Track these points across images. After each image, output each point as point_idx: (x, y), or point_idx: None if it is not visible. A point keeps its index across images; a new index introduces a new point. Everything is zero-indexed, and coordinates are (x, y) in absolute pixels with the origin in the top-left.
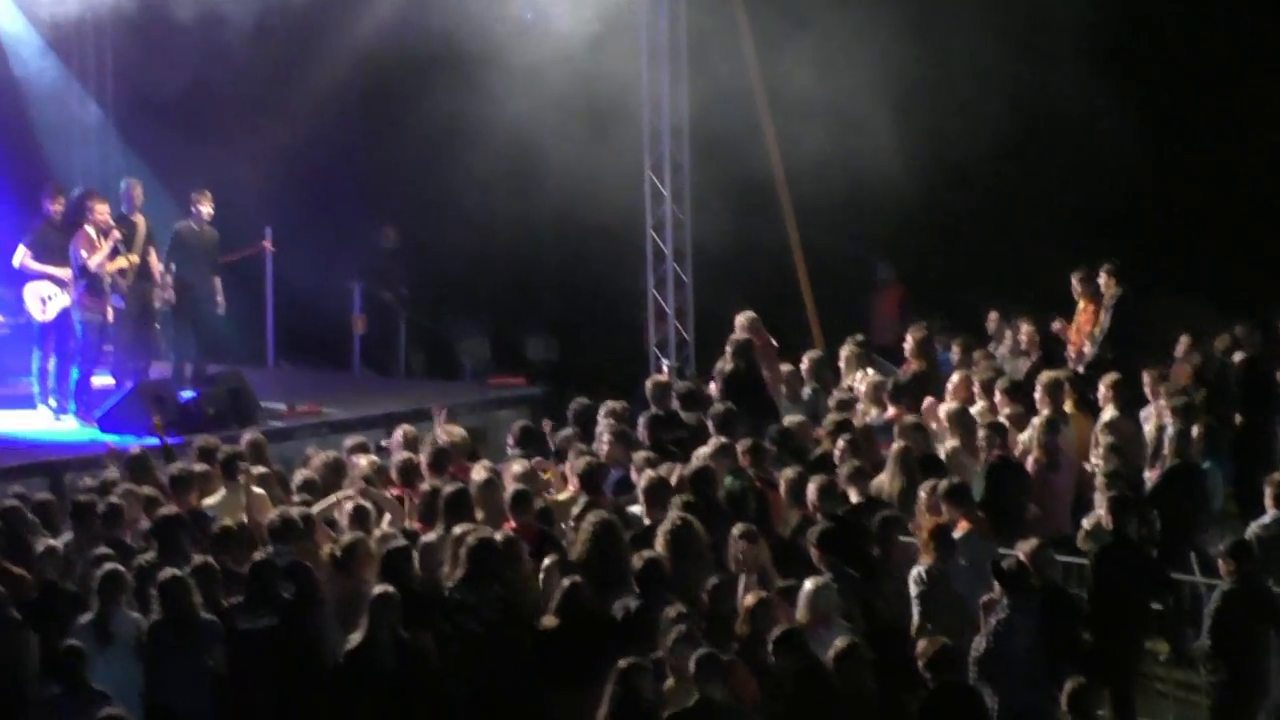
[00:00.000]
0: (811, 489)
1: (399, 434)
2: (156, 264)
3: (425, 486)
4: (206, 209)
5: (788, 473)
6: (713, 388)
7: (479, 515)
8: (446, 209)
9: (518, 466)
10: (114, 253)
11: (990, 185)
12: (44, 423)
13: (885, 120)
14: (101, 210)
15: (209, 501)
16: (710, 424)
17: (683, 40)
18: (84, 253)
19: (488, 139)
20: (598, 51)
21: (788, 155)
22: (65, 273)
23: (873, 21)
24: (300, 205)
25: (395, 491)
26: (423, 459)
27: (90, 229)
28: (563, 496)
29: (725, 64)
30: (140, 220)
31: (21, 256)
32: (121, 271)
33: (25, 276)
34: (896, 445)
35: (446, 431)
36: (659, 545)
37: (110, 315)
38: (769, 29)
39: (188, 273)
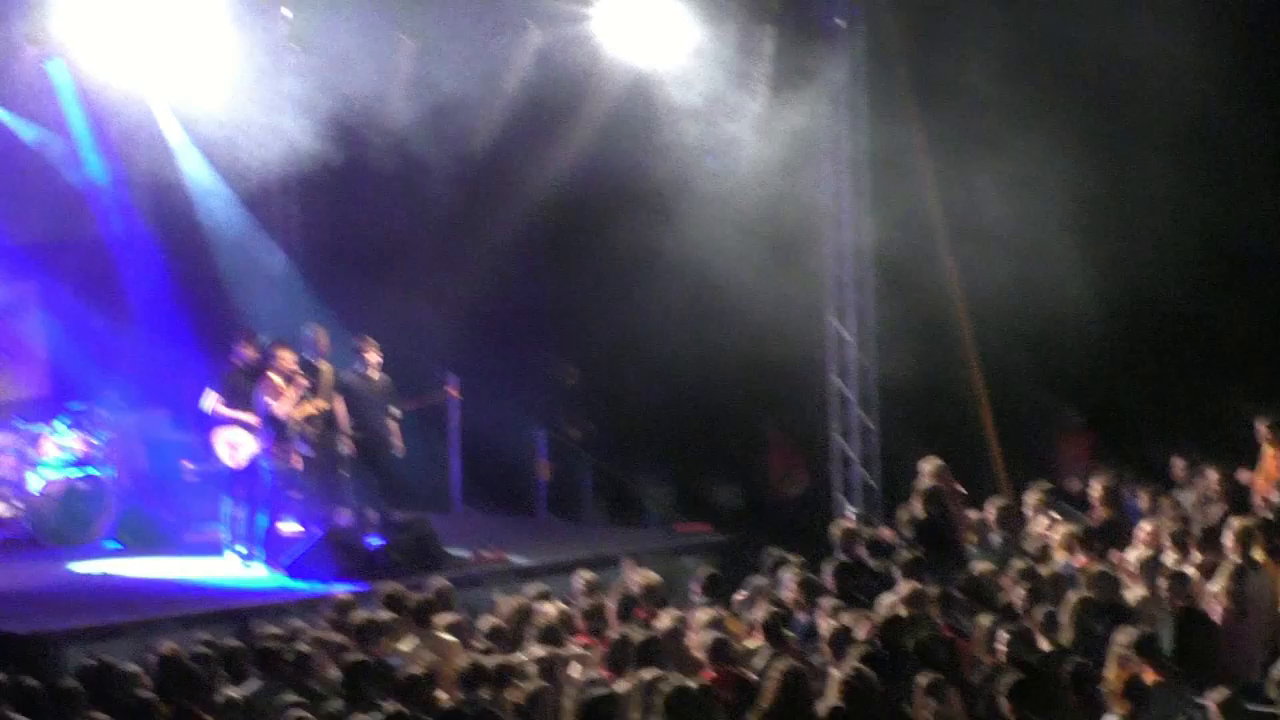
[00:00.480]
0: (1002, 637)
1: (579, 579)
2: (343, 411)
3: (614, 634)
4: (373, 357)
5: (979, 621)
6: (897, 534)
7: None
8: (629, 348)
9: (705, 615)
10: (301, 400)
11: (1177, 322)
12: (232, 570)
13: (1070, 248)
14: (286, 357)
15: (397, 648)
16: (898, 571)
17: (864, 164)
18: (269, 399)
19: (670, 272)
20: (783, 178)
21: (969, 285)
22: (255, 419)
23: (1058, 144)
24: (484, 348)
25: (582, 640)
26: (610, 605)
27: (275, 376)
28: (749, 645)
29: (908, 188)
30: (326, 367)
31: (212, 402)
32: (309, 418)
33: (215, 422)
34: (1080, 594)
35: (638, 577)
36: (834, 695)
37: (298, 462)
38: (949, 150)
39: (363, 420)
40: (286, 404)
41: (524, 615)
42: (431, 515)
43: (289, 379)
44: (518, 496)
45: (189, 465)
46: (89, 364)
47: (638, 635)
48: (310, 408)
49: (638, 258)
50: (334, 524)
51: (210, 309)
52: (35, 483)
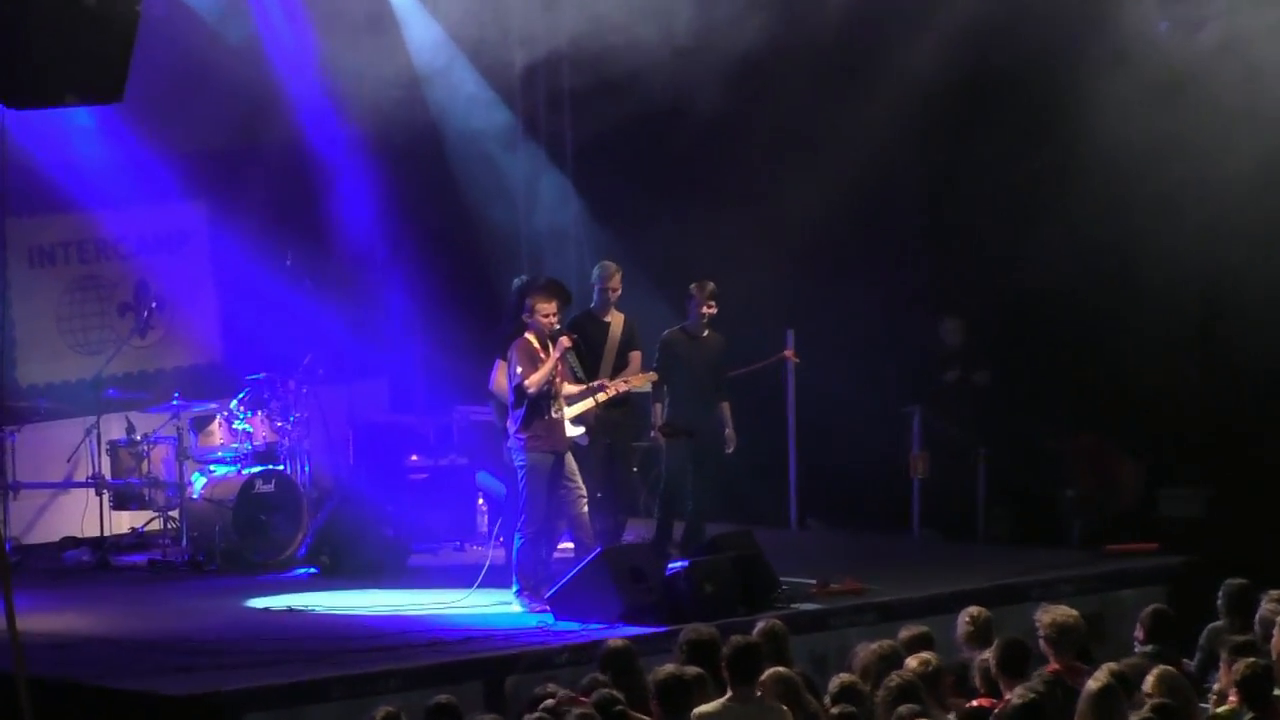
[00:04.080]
0: None
1: (965, 618)
2: (640, 380)
3: (1015, 696)
4: (709, 307)
5: None
6: None
7: None
8: (1034, 290)
9: (1154, 672)
10: (574, 374)
11: None
12: (473, 605)
13: None
14: (547, 309)
15: (705, 712)
16: None
17: None
18: (520, 369)
19: (1102, 198)
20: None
21: None
22: (576, 387)
23: None
24: (829, 296)
25: (977, 703)
26: (1013, 655)
27: (532, 337)
28: (1221, 710)
29: None
30: (616, 320)
31: (499, 376)
32: (587, 392)
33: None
34: None
35: (1052, 616)
36: None
37: (564, 453)
38: None
39: (682, 398)
40: (541, 375)
41: (889, 668)
42: (758, 530)
43: (549, 339)
44: (882, 504)
45: (414, 459)
46: (277, 319)
47: (1053, 697)
48: (577, 387)
49: (1053, 176)
50: (617, 541)
51: (457, 245)
52: (200, 484)
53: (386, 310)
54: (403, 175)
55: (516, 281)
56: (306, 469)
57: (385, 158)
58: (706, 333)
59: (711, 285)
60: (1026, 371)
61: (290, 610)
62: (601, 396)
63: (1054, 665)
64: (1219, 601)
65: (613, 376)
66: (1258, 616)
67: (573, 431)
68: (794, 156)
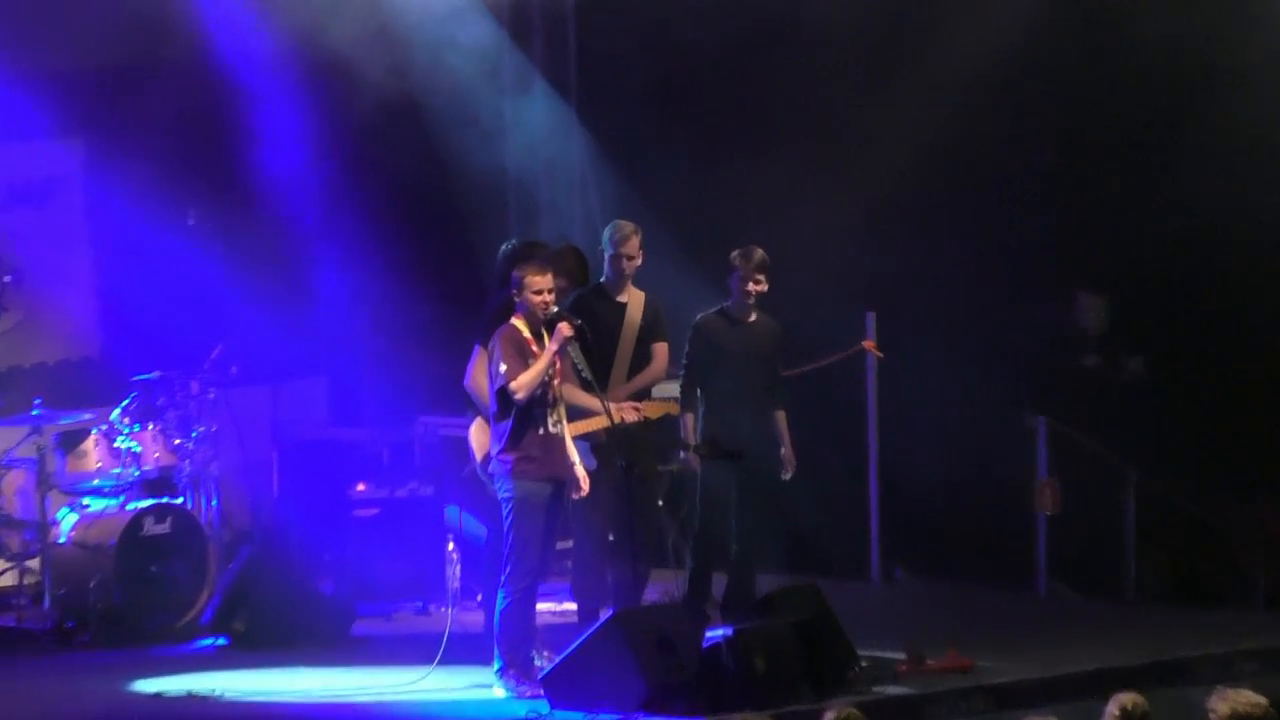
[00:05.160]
0: None
1: (1113, 710)
2: (657, 411)
3: None
4: (757, 282)
5: None
6: None
7: None
8: (1202, 253)
9: None
10: (578, 373)
11: None
12: (448, 687)
13: None
14: (540, 285)
15: None
16: None
17: None
18: (505, 367)
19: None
20: None
21: None
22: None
23: None
24: (921, 266)
25: None
26: None
27: (521, 323)
28: None
29: None
30: (635, 300)
31: (475, 371)
32: (578, 397)
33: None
34: None
35: (1228, 704)
36: None
37: (583, 484)
38: None
39: (722, 406)
40: (531, 375)
41: None
42: (826, 582)
43: (545, 326)
44: (991, 548)
45: (360, 489)
46: (176, 298)
47: None
48: (578, 390)
49: (1224, 93)
50: (636, 601)
51: (422, 199)
52: (70, 523)
53: (325, 287)
54: (349, 106)
55: (505, 247)
56: (215, 503)
57: (325, 82)
58: (754, 316)
59: (760, 253)
60: (1192, 365)
61: (192, 697)
62: (631, 415)
63: None
64: None
65: (631, 375)
66: None
67: (577, 452)
68: (872, 78)
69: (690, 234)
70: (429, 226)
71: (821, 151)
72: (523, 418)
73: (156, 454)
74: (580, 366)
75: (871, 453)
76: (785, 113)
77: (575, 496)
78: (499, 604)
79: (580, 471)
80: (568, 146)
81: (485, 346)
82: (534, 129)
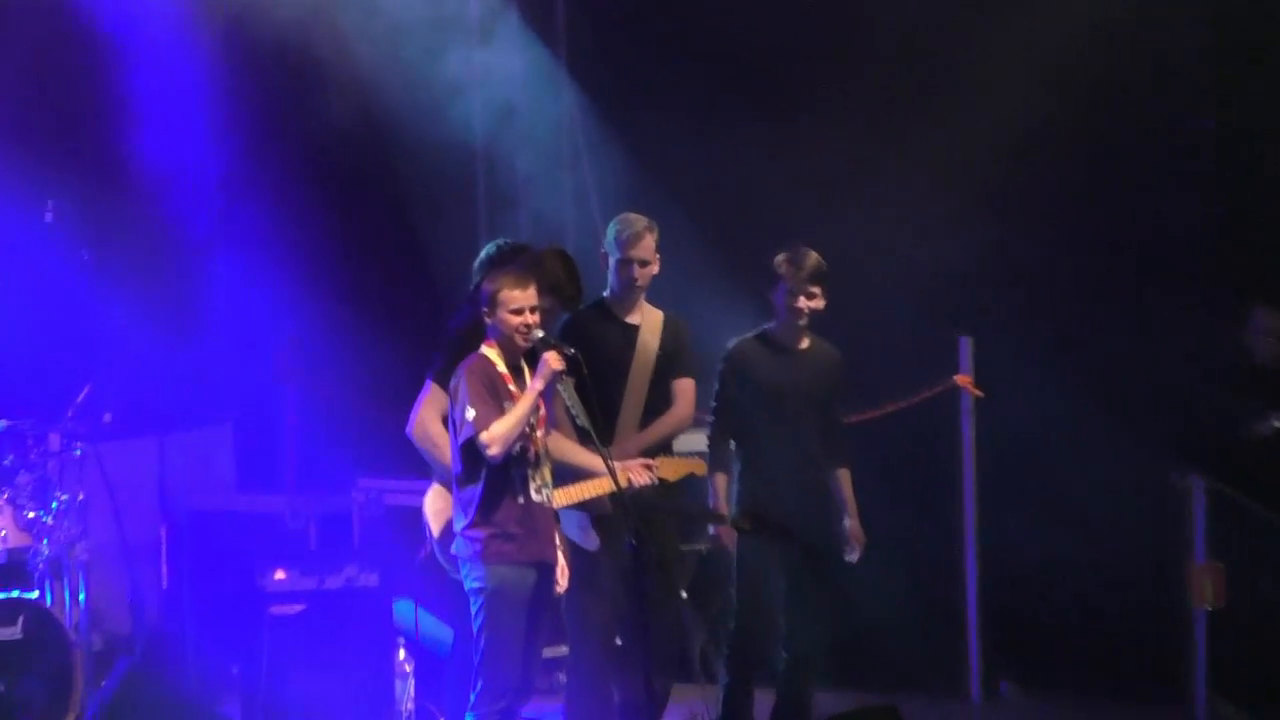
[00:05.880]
0: None
1: None
2: (684, 416)
3: None
4: (811, 296)
5: None
6: None
7: None
8: None
9: None
10: (571, 420)
11: None
12: None
13: None
14: (518, 298)
15: None
16: None
17: None
18: (471, 411)
19: None
20: None
21: None
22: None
23: None
24: (1032, 279)
25: None
26: None
27: (493, 352)
28: None
29: None
30: (650, 321)
31: (425, 416)
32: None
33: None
34: None
35: None
36: None
37: (561, 577)
38: None
39: (765, 463)
40: (509, 423)
41: None
42: (910, 701)
43: (525, 357)
44: (1130, 655)
45: (279, 577)
46: (29, 321)
47: None
48: (577, 448)
49: None
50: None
51: (363, 184)
52: None
53: (229, 306)
54: (259, 61)
55: (489, 250)
56: (82, 597)
57: (228, 29)
58: (807, 342)
59: (815, 258)
60: None
61: None
62: (641, 477)
63: None
64: None
65: (645, 422)
66: None
67: (571, 526)
68: (968, 18)
69: (719, 229)
70: (369, 223)
71: (897, 118)
72: (496, 481)
73: (3, 532)
74: (575, 411)
75: (968, 525)
76: (848, 66)
77: (563, 588)
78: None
79: (564, 560)
80: (554, 108)
81: (443, 384)
82: (509, 85)
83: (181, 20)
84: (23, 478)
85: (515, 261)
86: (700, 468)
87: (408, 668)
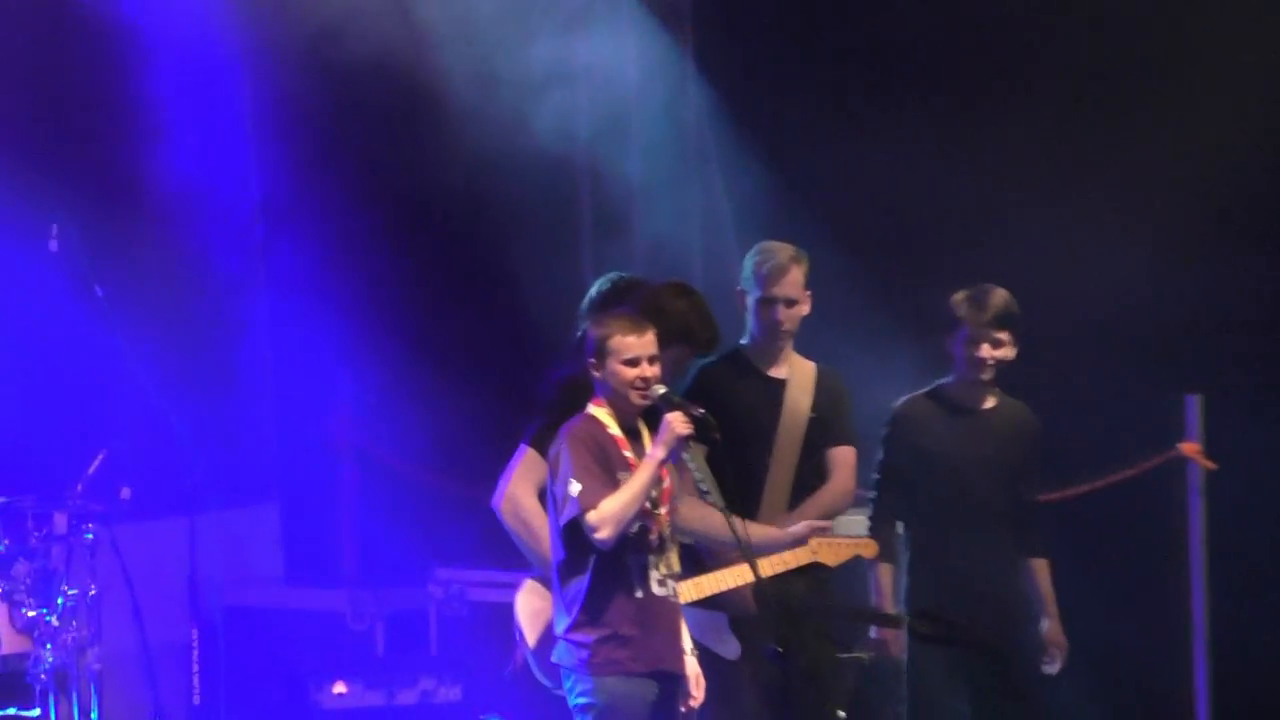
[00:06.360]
0: None
1: None
2: (844, 492)
3: None
4: (997, 345)
5: None
6: None
7: None
8: None
9: None
10: (700, 492)
11: None
12: None
13: None
14: (634, 345)
15: None
16: None
17: None
18: (576, 485)
19: None
20: None
21: None
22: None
23: None
24: (1267, 326)
25: None
26: None
27: (602, 412)
28: None
29: None
30: (800, 374)
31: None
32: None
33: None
34: None
35: None
36: None
37: (696, 688)
38: None
39: (942, 551)
40: (628, 496)
41: None
42: None
43: (641, 418)
44: None
45: (339, 691)
46: (33, 374)
47: None
48: (712, 522)
49: None
50: None
51: (438, 208)
52: None
53: (274, 359)
54: (310, 54)
55: (598, 286)
56: (94, 716)
57: (275, 20)
58: (992, 401)
59: (1003, 297)
60: None
61: None
62: (782, 564)
63: None
64: None
65: (795, 500)
66: None
67: (704, 627)
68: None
69: (878, 260)
70: (444, 255)
71: (1101, 124)
72: (608, 572)
73: (2, 634)
74: (705, 486)
75: (1197, 620)
76: (1036, 59)
77: (690, 706)
78: None
79: (695, 669)
80: (677, 109)
81: (541, 451)
82: (620, 82)
83: (215, 10)
84: (21, 568)
85: (629, 301)
86: (870, 549)
87: None
